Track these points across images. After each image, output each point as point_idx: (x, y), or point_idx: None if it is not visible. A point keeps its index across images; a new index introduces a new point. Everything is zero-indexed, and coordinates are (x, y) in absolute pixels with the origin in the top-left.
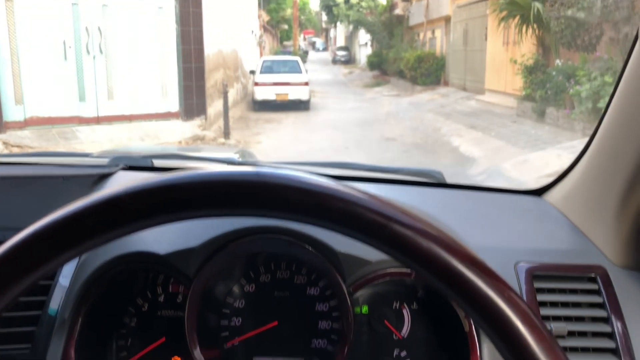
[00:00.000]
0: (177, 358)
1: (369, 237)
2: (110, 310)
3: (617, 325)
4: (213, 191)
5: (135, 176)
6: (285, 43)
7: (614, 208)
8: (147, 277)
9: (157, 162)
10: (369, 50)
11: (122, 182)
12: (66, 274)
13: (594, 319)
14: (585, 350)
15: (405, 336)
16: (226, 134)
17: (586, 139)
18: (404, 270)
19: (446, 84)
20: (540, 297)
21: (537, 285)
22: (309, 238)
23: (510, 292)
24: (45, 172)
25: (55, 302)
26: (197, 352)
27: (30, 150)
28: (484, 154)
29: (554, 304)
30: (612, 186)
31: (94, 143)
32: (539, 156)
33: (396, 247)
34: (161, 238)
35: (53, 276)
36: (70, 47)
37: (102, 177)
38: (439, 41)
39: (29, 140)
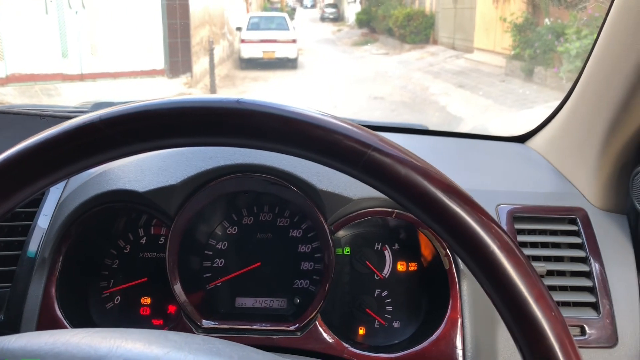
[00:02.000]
0: (147, 308)
1: (348, 165)
2: (92, 252)
3: (595, 265)
4: (192, 118)
5: None
6: None
7: (595, 152)
8: (129, 218)
9: None
10: (357, 8)
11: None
12: (45, 214)
13: (573, 259)
14: (563, 288)
15: (387, 276)
16: (212, 91)
17: (564, 96)
18: (386, 209)
19: (435, 42)
20: (521, 238)
21: (518, 226)
22: (291, 176)
23: (487, 218)
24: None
25: (35, 243)
26: (177, 287)
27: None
28: (472, 113)
29: (534, 245)
30: (594, 131)
31: (77, 100)
32: (526, 114)
33: (374, 175)
34: (141, 177)
35: (32, 217)
36: (51, 1)
37: None
38: None
39: (11, 97)
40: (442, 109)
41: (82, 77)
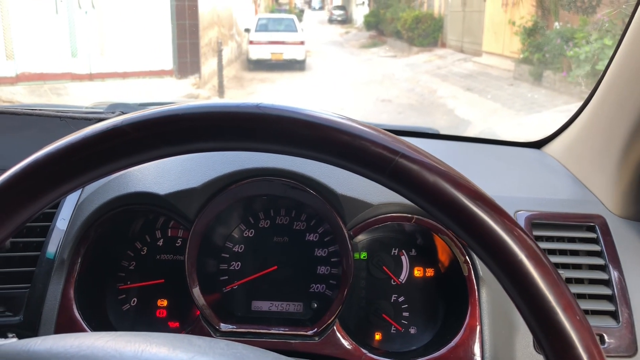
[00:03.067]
0: (164, 311)
1: (375, 172)
2: (109, 254)
3: (614, 273)
4: (221, 122)
5: None
6: (281, 1)
7: (615, 159)
8: (146, 220)
9: None
10: (366, 10)
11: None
12: (64, 216)
13: (591, 267)
14: (581, 296)
15: (403, 281)
16: (220, 93)
17: (582, 103)
18: (405, 214)
19: (443, 45)
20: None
21: (536, 233)
22: (311, 180)
23: (516, 226)
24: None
25: (54, 244)
26: (196, 291)
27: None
28: (480, 117)
29: (552, 252)
30: (614, 137)
31: (86, 100)
32: (535, 119)
33: (402, 182)
34: (161, 179)
35: (51, 218)
36: (61, 1)
37: (99, 122)
38: (437, 1)
39: (21, 96)
40: (450, 112)
41: (91, 77)
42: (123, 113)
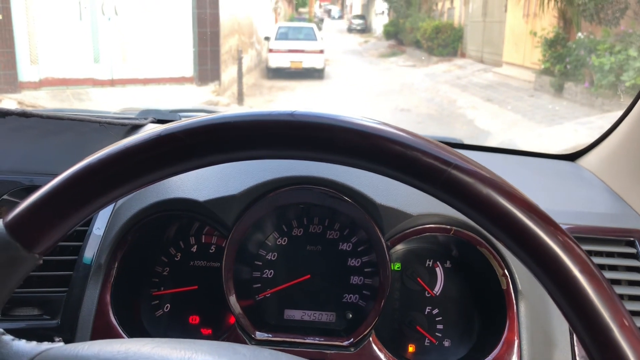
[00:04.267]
0: (197, 317)
1: (427, 183)
2: (144, 260)
3: None
4: (273, 131)
5: None
6: (301, 10)
7: None
8: (180, 227)
9: (185, 117)
10: (385, 19)
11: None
12: (100, 223)
13: (631, 283)
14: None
15: (438, 294)
16: (240, 100)
17: (604, 115)
18: (444, 226)
19: (463, 55)
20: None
21: None
22: (350, 190)
23: (569, 240)
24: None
25: (91, 249)
26: (232, 299)
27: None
28: (500, 128)
29: None
30: None
31: (108, 105)
32: (556, 131)
33: (455, 193)
34: (200, 186)
35: (88, 222)
36: (85, 7)
37: (134, 128)
38: (457, 11)
39: (44, 100)
40: (470, 122)
41: (112, 83)
42: (156, 119)
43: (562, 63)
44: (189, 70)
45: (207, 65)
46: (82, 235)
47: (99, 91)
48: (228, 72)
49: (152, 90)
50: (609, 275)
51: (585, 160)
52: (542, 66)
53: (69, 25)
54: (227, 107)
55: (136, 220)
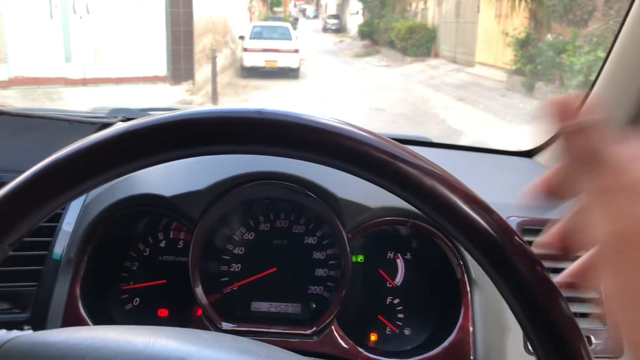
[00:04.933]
0: (165, 310)
1: (376, 174)
2: (113, 254)
3: None
4: (233, 127)
5: None
6: (276, 9)
7: None
8: (149, 222)
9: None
10: (360, 19)
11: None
12: (70, 219)
13: None
14: (570, 300)
15: (399, 284)
16: (214, 99)
17: None
18: (402, 218)
19: (437, 55)
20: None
21: (527, 238)
22: (313, 185)
23: (508, 227)
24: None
25: (60, 244)
26: (199, 290)
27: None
28: (472, 127)
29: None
30: None
31: (80, 105)
32: (526, 129)
33: (401, 184)
34: (168, 182)
35: (58, 218)
36: (56, 5)
37: (103, 126)
38: (430, 12)
39: (14, 100)
40: (443, 121)
41: (84, 82)
42: (125, 117)
43: (533, 63)
44: (162, 69)
45: (181, 64)
46: (52, 231)
47: (71, 90)
48: (202, 71)
49: (124, 89)
50: (561, 264)
51: (541, 157)
52: (514, 66)
53: (40, 24)
54: (201, 106)
55: (105, 215)
